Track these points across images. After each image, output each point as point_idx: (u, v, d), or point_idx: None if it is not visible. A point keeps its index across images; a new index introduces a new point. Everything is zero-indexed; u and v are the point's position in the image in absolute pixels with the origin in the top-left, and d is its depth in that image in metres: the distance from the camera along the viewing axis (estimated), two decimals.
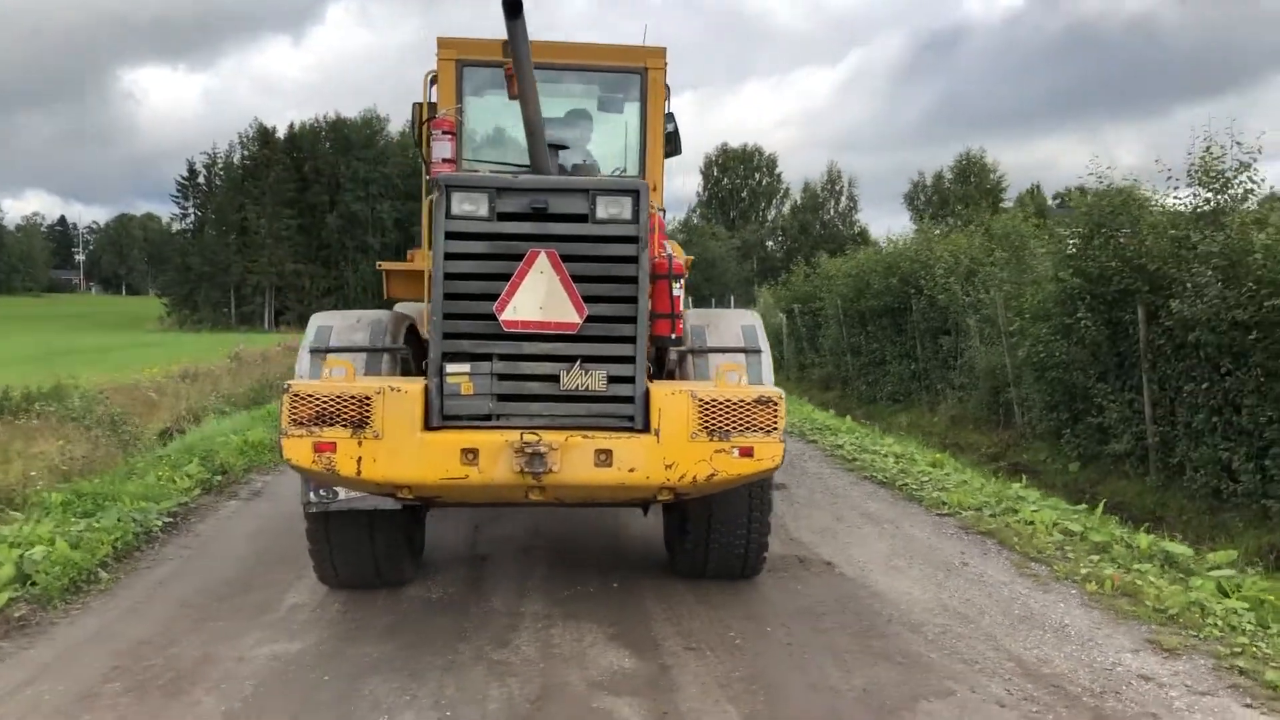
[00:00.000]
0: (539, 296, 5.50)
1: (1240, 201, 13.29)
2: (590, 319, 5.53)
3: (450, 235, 5.49)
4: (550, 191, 5.52)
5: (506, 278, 5.50)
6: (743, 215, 73.84)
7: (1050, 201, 70.48)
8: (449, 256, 5.49)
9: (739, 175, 78.32)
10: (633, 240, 5.55)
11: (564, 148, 7.12)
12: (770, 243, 69.97)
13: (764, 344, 6.72)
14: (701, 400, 5.48)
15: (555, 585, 7.18)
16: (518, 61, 5.85)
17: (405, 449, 5.35)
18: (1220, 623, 6.49)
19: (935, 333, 22.17)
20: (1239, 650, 6.04)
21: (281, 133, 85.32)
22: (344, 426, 5.33)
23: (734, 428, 5.50)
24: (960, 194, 77.21)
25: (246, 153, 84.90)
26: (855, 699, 5.31)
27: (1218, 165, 13.27)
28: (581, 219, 5.54)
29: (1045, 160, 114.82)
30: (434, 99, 7.81)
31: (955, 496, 10.55)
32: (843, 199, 64.74)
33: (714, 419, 5.49)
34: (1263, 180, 13.21)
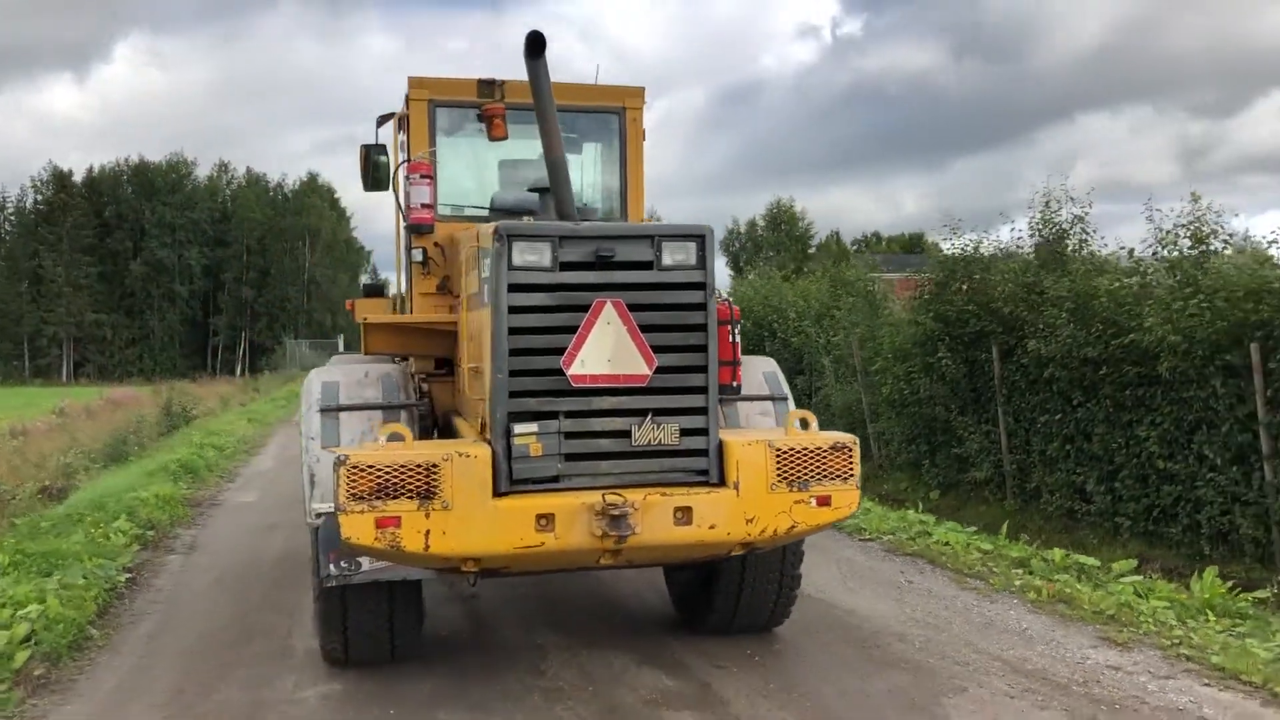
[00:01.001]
0: (607, 348, 5.22)
1: (1078, 249, 14.67)
2: (660, 370, 5.28)
3: (513, 287, 5.15)
4: (615, 239, 5.25)
5: (571, 330, 5.19)
6: None
7: (850, 247, 73.73)
8: (513, 310, 5.14)
9: None
10: (700, 287, 5.34)
11: (546, 190, 6.84)
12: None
13: (787, 390, 6.60)
14: (779, 450, 5.31)
15: (559, 618, 7.08)
16: (539, 101, 5.57)
17: (476, 519, 4.97)
18: (1151, 620, 7.31)
19: (790, 374, 22.65)
20: (1178, 641, 6.85)
21: (79, 175, 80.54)
22: (410, 498, 4.90)
23: (812, 476, 5.35)
24: (773, 241, 79.94)
25: (40, 197, 79.64)
26: (886, 699, 5.81)
27: (1055, 218, 14.73)
28: (647, 266, 5.29)
29: (839, 206, 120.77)
30: (386, 140, 7.48)
31: (870, 523, 11.15)
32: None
33: (792, 468, 5.32)
34: (1094, 230, 14.77)
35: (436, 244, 7.28)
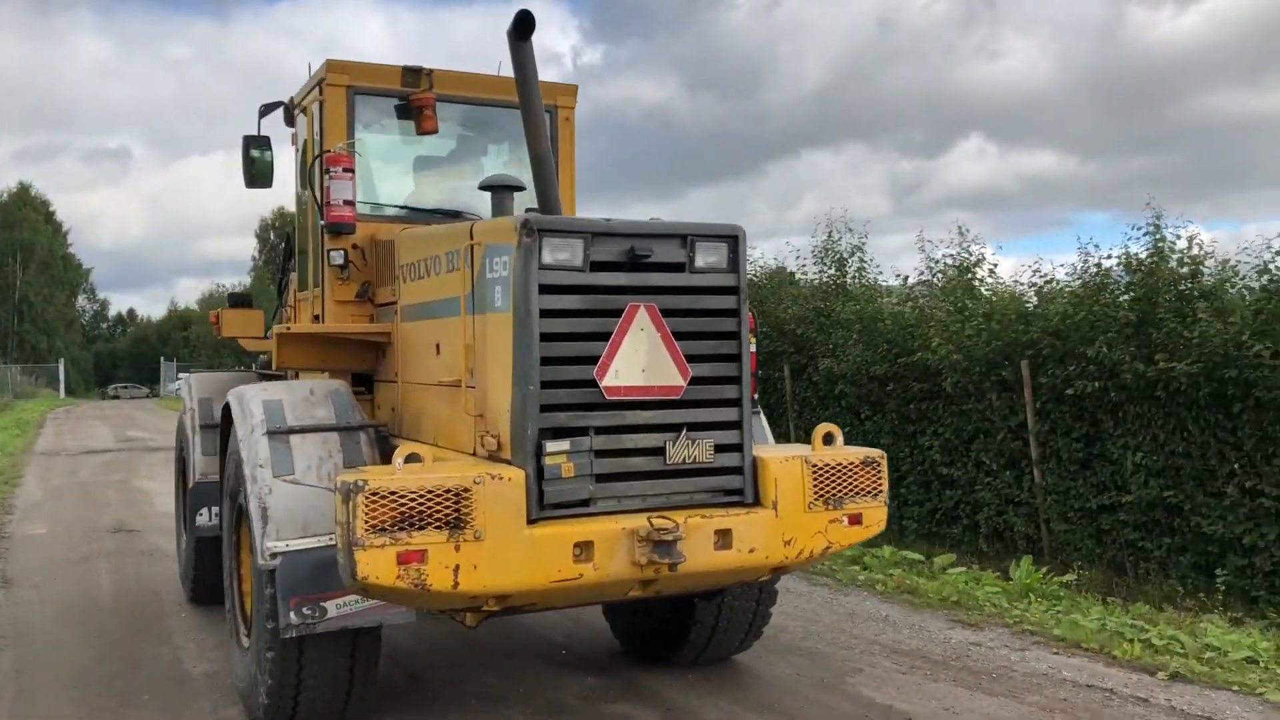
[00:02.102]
0: (640, 358, 4.74)
1: (858, 276, 15.85)
2: (692, 381, 4.84)
3: (544, 289, 4.58)
4: (648, 237, 4.78)
5: (603, 337, 4.68)
6: None
7: None
8: (545, 314, 4.57)
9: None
10: (733, 291, 4.95)
11: (520, 189, 6.28)
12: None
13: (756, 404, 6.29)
14: (815, 466, 4.99)
15: (499, 660, 6.45)
16: (525, 89, 5.06)
17: (510, 550, 4.36)
18: (987, 604, 8.12)
19: None
20: (1018, 619, 7.70)
21: None
22: (438, 528, 4.25)
23: (845, 494, 5.06)
24: None
25: None
26: (797, 681, 6.28)
27: (836, 247, 16.00)
28: (679, 268, 4.85)
29: None
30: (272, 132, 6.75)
31: None
32: None
33: (827, 486, 5.01)
34: (871, 259, 15.93)
35: (356, 246, 6.52)
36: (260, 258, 75.09)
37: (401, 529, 4.20)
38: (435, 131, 6.77)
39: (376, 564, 4.17)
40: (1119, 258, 11.47)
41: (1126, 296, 11.05)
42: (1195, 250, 10.93)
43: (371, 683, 5.43)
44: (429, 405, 5.63)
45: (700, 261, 4.86)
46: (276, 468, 5.09)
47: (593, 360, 4.66)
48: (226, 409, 5.90)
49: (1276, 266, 10.22)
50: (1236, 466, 9.75)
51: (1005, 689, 6.12)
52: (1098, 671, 6.47)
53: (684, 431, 4.80)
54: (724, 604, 6.11)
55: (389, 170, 7.17)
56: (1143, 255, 11.12)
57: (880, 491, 5.15)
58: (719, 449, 4.88)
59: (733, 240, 4.94)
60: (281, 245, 8.40)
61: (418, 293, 5.84)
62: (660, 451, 4.77)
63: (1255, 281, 10.57)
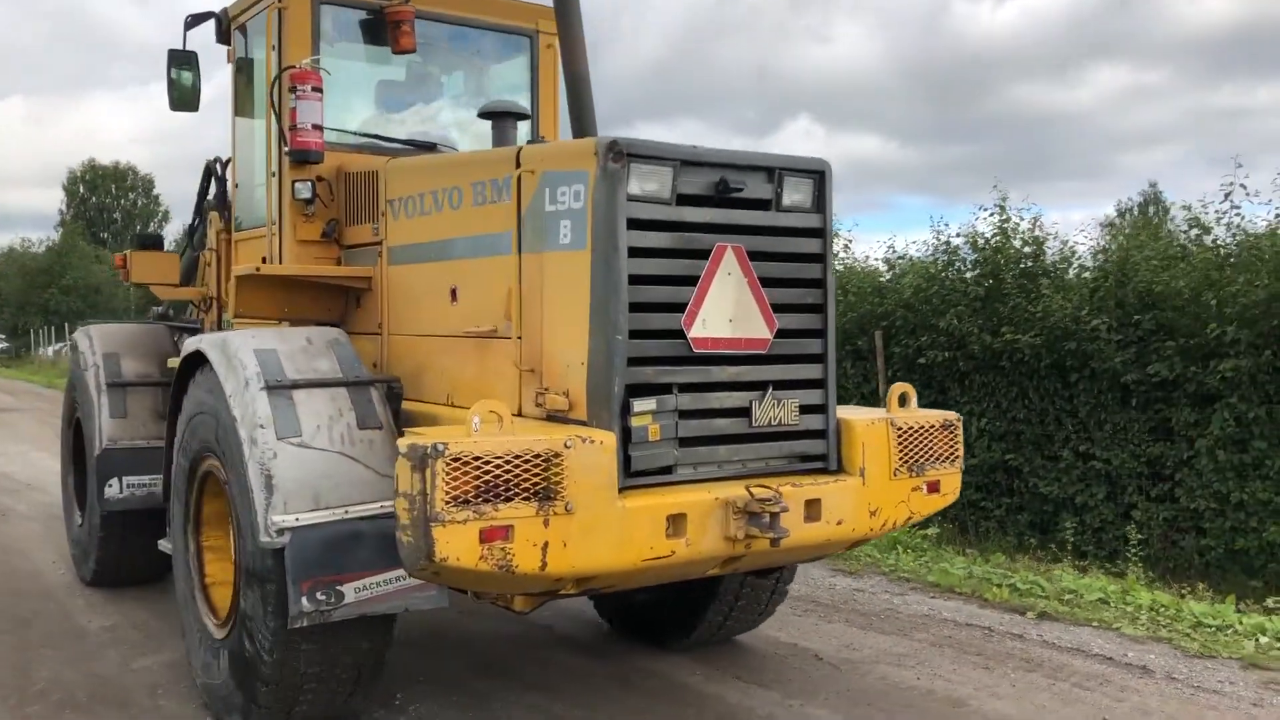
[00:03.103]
0: (728, 306, 4.19)
1: None
2: (777, 334, 4.33)
3: (633, 224, 3.97)
4: (738, 169, 4.22)
5: (690, 282, 4.11)
6: (115, 237, 66.31)
7: None
8: (634, 253, 3.96)
9: (110, 194, 70.17)
10: (819, 234, 4.44)
11: (525, 116, 5.59)
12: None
13: None
14: (899, 429, 4.55)
15: (486, 652, 5.71)
16: (563, 2, 4.45)
17: (602, 525, 3.76)
18: (862, 555, 8.32)
19: None
20: (892, 568, 8.12)
21: None
22: (526, 499, 3.61)
23: (926, 459, 4.65)
24: None
25: None
26: None
27: None
28: (765, 206, 4.31)
29: None
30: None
31: None
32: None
33: (911, 451, 4.59)
34: None
35: (321, 178, 5.69)
36: (68, 211, 69.97)
37: (486, 501, 3.54)
38: (413, 50, 5.98)
39: (457, 543, 3.50)
40: (966, 237, 12.25)
41: (973, 273, 11.90)
42: (1037, 232, 11.89)
43: (378, 675, 4.72)
44: (438, 360, 4.91)
45: (787, 199, 4.33)
46: (280, 429, 4.31)
47: (679, 307, 4.08)
48: (191, 361, 5.03)
49: (1108, 249, 11.45)
50: (1072, 432, 10.71)
51: (894, 628, 6.52)
52: (974, 612, 6.91)
53: (769, 390, 4.27)
54: (746, 579, 5.63)
55: (348, 96, 6.32)
56: (989, 234, 11.95)
57: (957, 457, 4.77)
58: (802, 410, 4.38)
59: (819, 177, 4.43)
60: (205, 180, 7.39)
61: (417, 231, 5.10)
62: (745, 412, 4.23)
63: (1092, 261, 11.65)
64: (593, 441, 3.73)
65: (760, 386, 4.27)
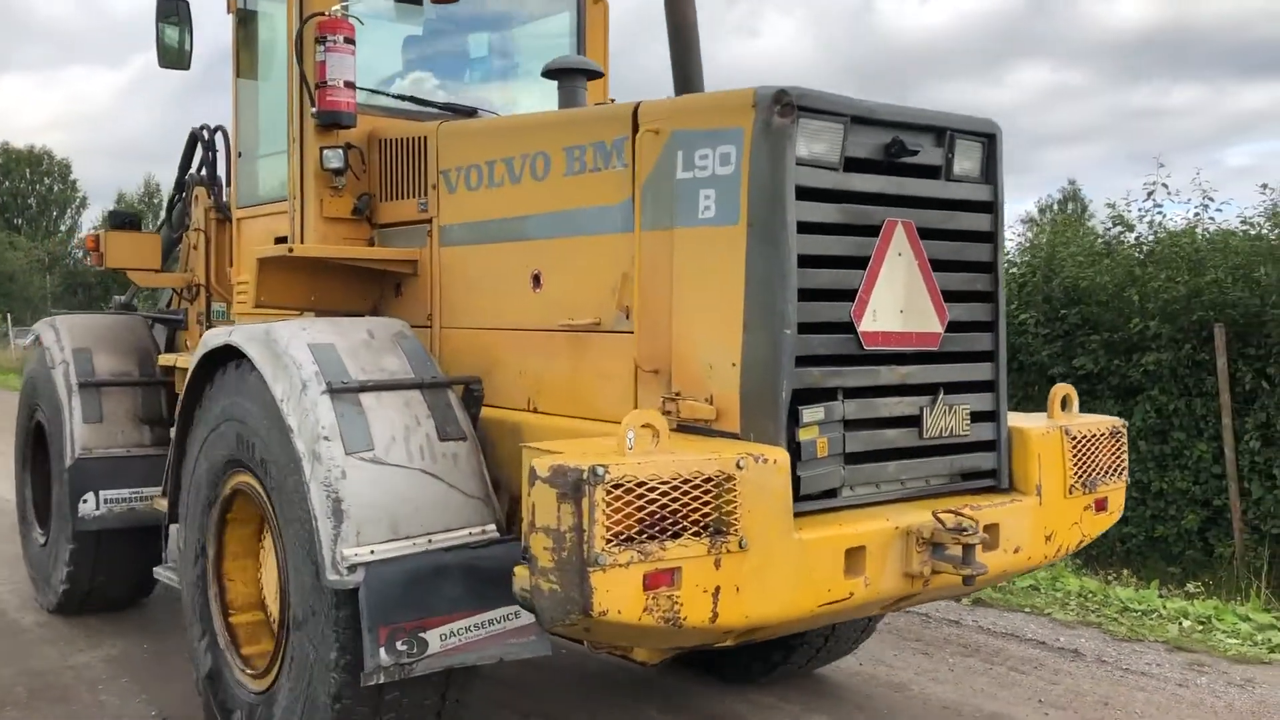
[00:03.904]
0: (898, 294, 3.50)
1: None
2: (947, 327, 3.65)
3: (802, 193, 3.25)
4: (911, 128, 3.52)
5: (859, 264, 3.41)
6: (30, 224, 63.47)
7: None
8: (803, 229, 3.24)
9: (25, 179, 67.01)
10: (990, 208, 3.77)
11: (597, 74, 4.84)
12: (81, 253, 61.43)
13: None
14: (1074, 438, 3.90)
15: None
16: None
17: (779, 563, 3.05)
18: None
19: None
20: None
21: None
22: (696, 535, 2.88)
23: (1096, 473, 4.00)
24: None
25: None
26: None
27: None
28: (934, 173, 3.62)
29: None
30: None
31: None
32: (161, 213, 58.32)
33: (1084, 464, 3.94)
34: None
35: (351, 145, 4.88)
36: None
37: (652, 537, 2.81)
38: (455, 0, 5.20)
39: (619, 592, 2.77)
40: None
41: None
42: None
43: None
44: (514, 358, 4.15)
45: (957, 167, 3.65)
46: (349, 441, 3.52)
47: (848, 295, 3.37)
48: (211, 358, 4.20)
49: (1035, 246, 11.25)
50: None
51: None
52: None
53: (940, 394, 3.59)
54: None
55: (371, 55, 5.49)
56: None
57: (1124, 469, 4.13)
58: (974, 417, 3.71)
59: (989, 140, 3.75)
60: (188, 151, 6.49)
61: (482, 207, 4.33)
62: (915, 421, 3.55)
63: (1019, 258, 11.37)
64: (766, 460, 3.01)
65: (929, 390, 3.58)
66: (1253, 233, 10.06)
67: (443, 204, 4.55)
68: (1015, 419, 3.92)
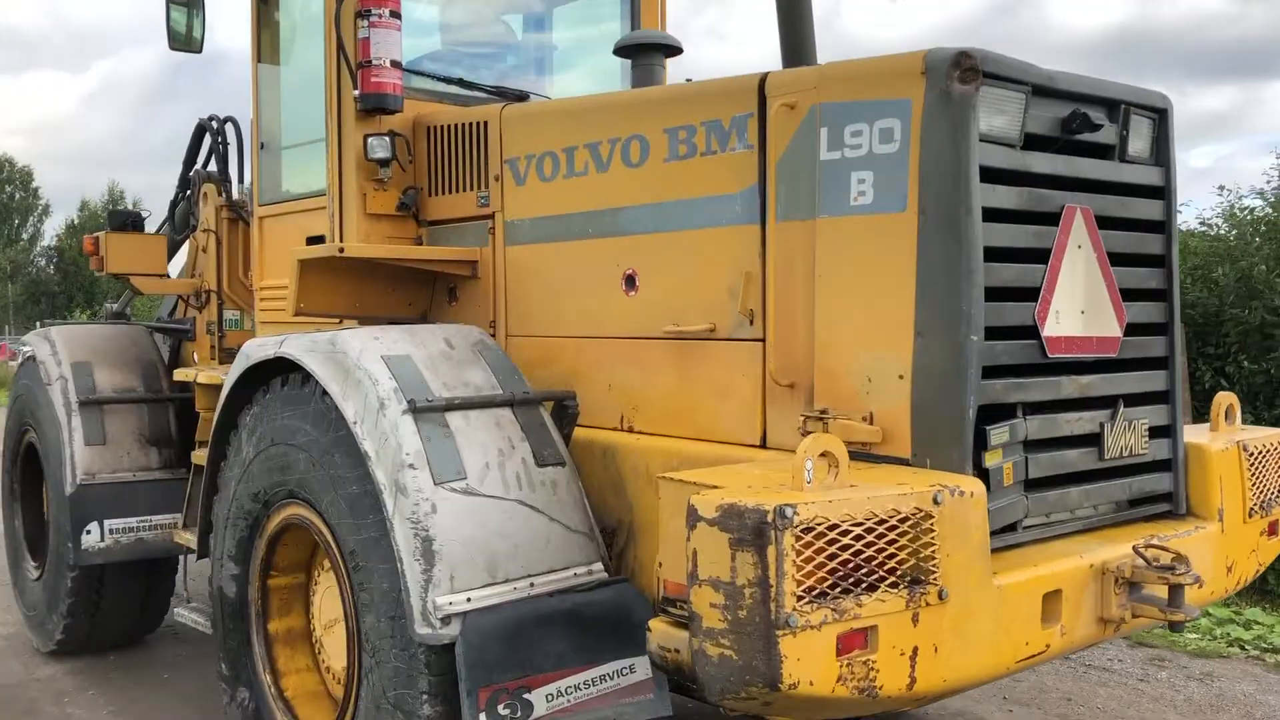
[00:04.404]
0: (1079, 292, 3.02)
1: None
2: (1125, 330, 3.18)
3: (986, 174, 2.76)
4: (1091, 100, 3.04)
5: (1040, 258, 2.93)
6: None
7: None
8: (989, 216, 2.75)
9: None
10: (1161, 194, 3.30)
11: (677, 50, 4.35)
12: (44, 261, 59.96)
13: None
14: (1251, 455, 3.44)
15: None
16: None
17: (978, 614, 2.56)
18: None
19: None
20: None
21: None
22: (894, 587, 2.37)
23: (1271, 493, 3.54)
24: None
25: None
26: None
27: None
28: (1106, 153, 3.15)
29: None
30: None
31: None
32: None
33: (1261, 483, 3.48)
34: None
35: (394, 133, 4.34)
36: None
37: (845, 590, 2.30)
38: None
39: (812, 659, 2.27)
40: None
41: None
42: None
43: None
44: (602, 370, 3.64)
45: (1131, 146, 3.17)
46: (439, 469, 3.00)
47: (1030, 294, 2.89)
48: (253, 373, 3.66)
49: None
50: None
51: None
52: None
53: (1120, 408, 3.11)
54: None
55: (412, 33, 4.96)
56: None
57: None
58: (1151, 433, 3.24)
59: (1160, 117, 3.28)
60: (194, 144, 5.92)
61: (559, 199, 3.82)
62: (1095, 440, 3.06)
63: None
64: (963, 493, 2.51)
65: (1108, 403, 3.10)
66: (1211, 233, 9.60)
67: (508, 197, 4.03)
68: (1194, 434, 3.45)
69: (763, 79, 3.13)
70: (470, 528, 2.99)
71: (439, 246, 4.33)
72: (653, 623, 2.62)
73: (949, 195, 2.70)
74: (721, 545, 2.27)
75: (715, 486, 2.43)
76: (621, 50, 4.26)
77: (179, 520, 5.40)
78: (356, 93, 4.25)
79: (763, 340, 3.13)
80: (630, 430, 3.54)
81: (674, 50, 4.28)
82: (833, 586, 2.29)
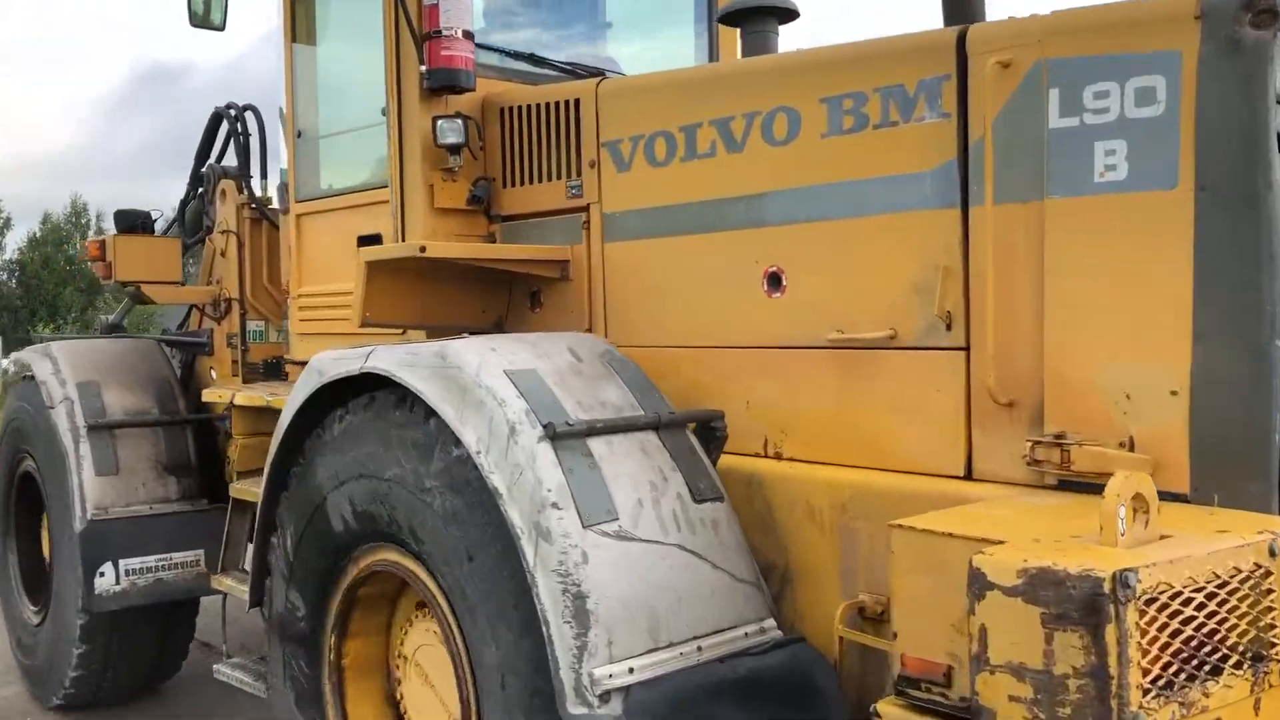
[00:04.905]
0: None
1: None
2: None
3: None
4: None
5: None
6: None
7: None
8: None
9: None
10: None
11: (794, 14, 3.81)
12: (4, 275, 58.55)
13: None
14: None
15: None
16: None
17: None
18: None
19: None
20: None
21: None
22: (1237, 666, 1.84)
23: None
24: None
25: None
26: None
27: None
28: None
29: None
30: None
31: None
32: (90, 233, 55.84)
33: None
34: None
35: (463, 115, 3.76)
36: None
37: (1191, 677, 1.76)
38: None
39: None
40: None
41: None
42: None
43: None
44: (740, 386, 3.10)
45: None
46: (587, 510, 2.44)
47: None
48: (337, 387, 3.08)
49: None
50: None
51: None
52: None
53: None
54: None
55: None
56: None
57: None
58: None
59: None
60: (208, 136, 5.32)
61: (676, 186, 3.27)
62: None
63: None
64: None
65: None
66: None
67: (608, 185, 3.48)
68: None
69: (962, 33, 2.60)
70: (627, 580, 2.43)
71: (524, 245, 3.76)
72: (883, 706, 2.09)
73: (1240, 167, 2.18)
74: (1030, 623, 1.74)
75: (994, 540, 1.88)
76: (729, 17, 3.73)
77: (200, 557, 4.82)
78: (423, 68, 3.67)
79: (965, 349, 2.59)
80: (778, 457, 2.99)
81: (790, 14, 3.75)
82: (1177, 673, 1.75)
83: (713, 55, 4.69)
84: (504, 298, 3.82)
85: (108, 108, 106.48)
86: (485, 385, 2.60)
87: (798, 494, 2.86)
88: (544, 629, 2.37)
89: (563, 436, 2.52)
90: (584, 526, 2.42)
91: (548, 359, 2.78)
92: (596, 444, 2.57)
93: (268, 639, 3.52)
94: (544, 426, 2.52)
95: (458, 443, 2.62)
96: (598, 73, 4.18)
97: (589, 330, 3.53)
